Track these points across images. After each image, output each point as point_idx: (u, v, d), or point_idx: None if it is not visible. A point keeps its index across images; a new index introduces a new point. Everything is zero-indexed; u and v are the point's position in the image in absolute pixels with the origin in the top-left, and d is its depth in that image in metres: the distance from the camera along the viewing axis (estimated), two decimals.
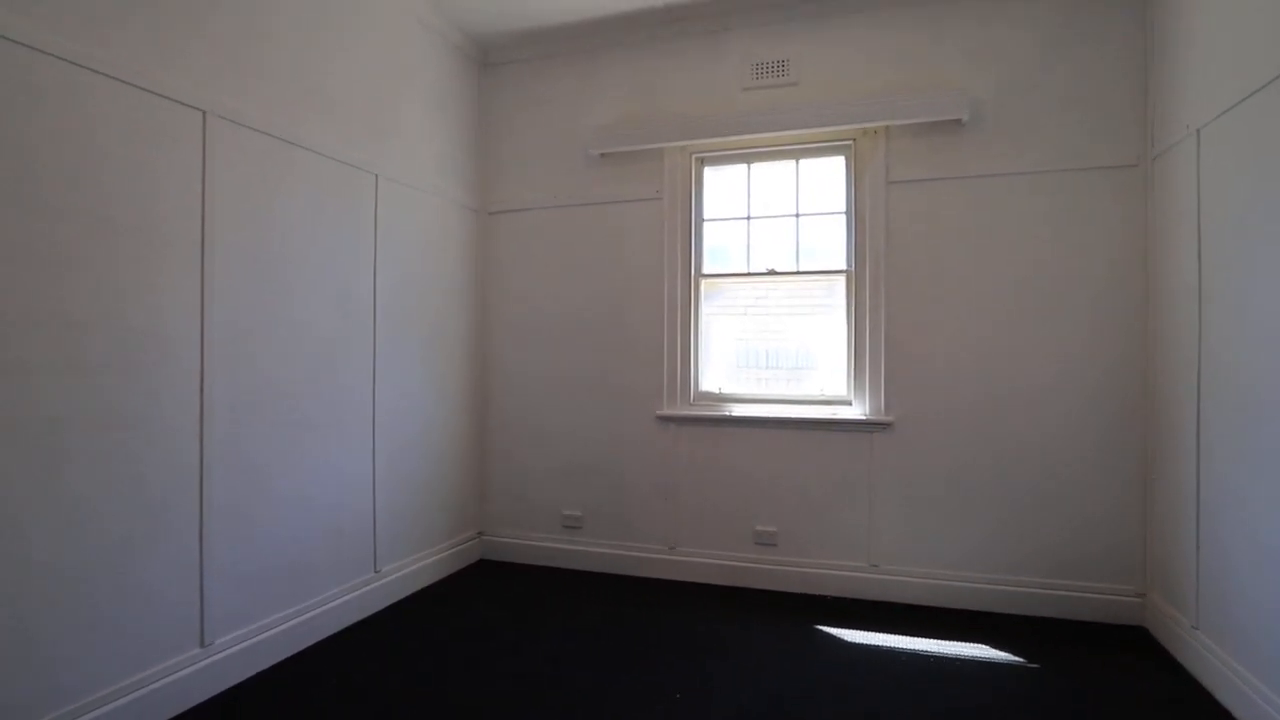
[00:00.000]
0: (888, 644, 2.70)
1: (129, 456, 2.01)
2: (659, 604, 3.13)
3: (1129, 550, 2.89)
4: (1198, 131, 2.43)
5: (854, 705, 2.24)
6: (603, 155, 3.59)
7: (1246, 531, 2.13)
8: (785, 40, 3.32)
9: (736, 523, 3.39)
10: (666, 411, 3.48)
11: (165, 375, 2.11)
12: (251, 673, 2.40)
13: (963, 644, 2.70)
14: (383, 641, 2.71)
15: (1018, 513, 3.01)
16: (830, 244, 3.36)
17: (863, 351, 3.23)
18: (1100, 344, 2.92)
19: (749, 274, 3.46)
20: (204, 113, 2.21)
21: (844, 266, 3.31)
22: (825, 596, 3.21)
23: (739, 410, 3.40)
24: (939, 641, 2.72)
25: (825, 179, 3.38)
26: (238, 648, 2.35)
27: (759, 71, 3.35)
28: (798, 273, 3.38)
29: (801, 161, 3.41)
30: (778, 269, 3.42)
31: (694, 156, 3.51)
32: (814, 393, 3.35)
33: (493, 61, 3.81)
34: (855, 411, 3.24)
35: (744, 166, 3.50)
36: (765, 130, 3.25)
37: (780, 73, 3.33)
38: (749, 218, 3.49)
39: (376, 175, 3.01)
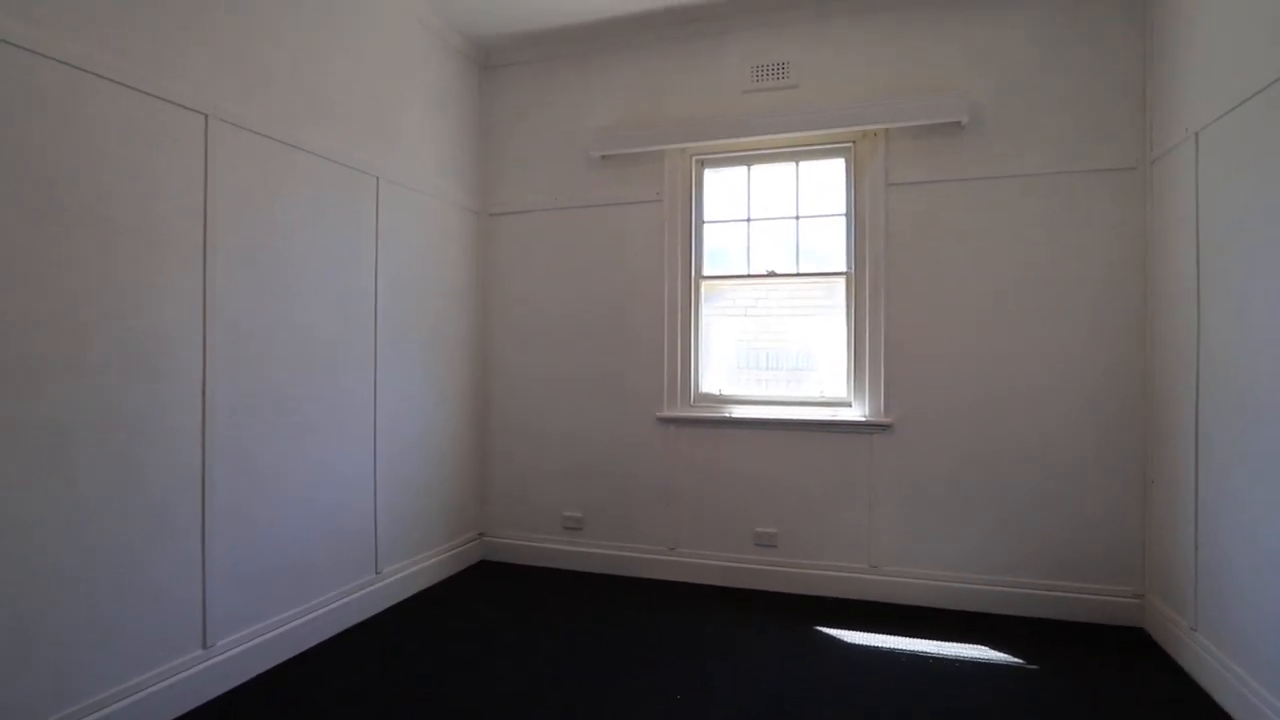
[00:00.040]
0: (887, 645, 2.71)
1: (130, 458, 2.01)
2: (659, 605, 3.14)
3: (1128, 552, 2.89)
4: (1196, 134, 2.44)
5: (854, 705, 2.24)
6: (603, 157, 3.60)
7: (1245, 534, 2.14)
8: (785, 43, 3.33)
9: (737, 524, 3.40)
10: (667, 413, 3.49)
11: (167, 377, 2.12)
12: (253, 674, 2.41)
13: (962, 645, 2.70)
14: (384, 643, 2.72)
15: (1017, 514, 3.02)
16: (830, 246, 3.37)
17: (862, 353, 3.23)
18: (1099, 346, 2.93)
19: (749, 276, 3.46)
20: (206, 116, 2.22)
21: (844, 268, 3.31)
22: (825, 598, 3.22)
23: (739, 412, 3.40)
24: (938, 642, 2.73)
25: (825, 181, 3.39)
26: (239, 649, 2.36)
27: (759, 74, 3.36)
28: (798, 275, 3.39)
29: (801, 163, 3.42)
30: (778, 271, 3.43)
31: (694, 158, 3.52)
32: (814, 394, 3.36)
33: (493, 63, 3.82)
34: (855, 413, 3.25)
35: (744, 169, 3.51)
36: (765, 132, 3.26)
37: (780, 75, 3.33)
38: (749, 220, 3.50)
39: (377, 178, 3.02)
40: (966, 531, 3.08)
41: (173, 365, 2.13)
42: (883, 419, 3.17)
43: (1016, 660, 2.57)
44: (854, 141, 3.27)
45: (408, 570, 3.23)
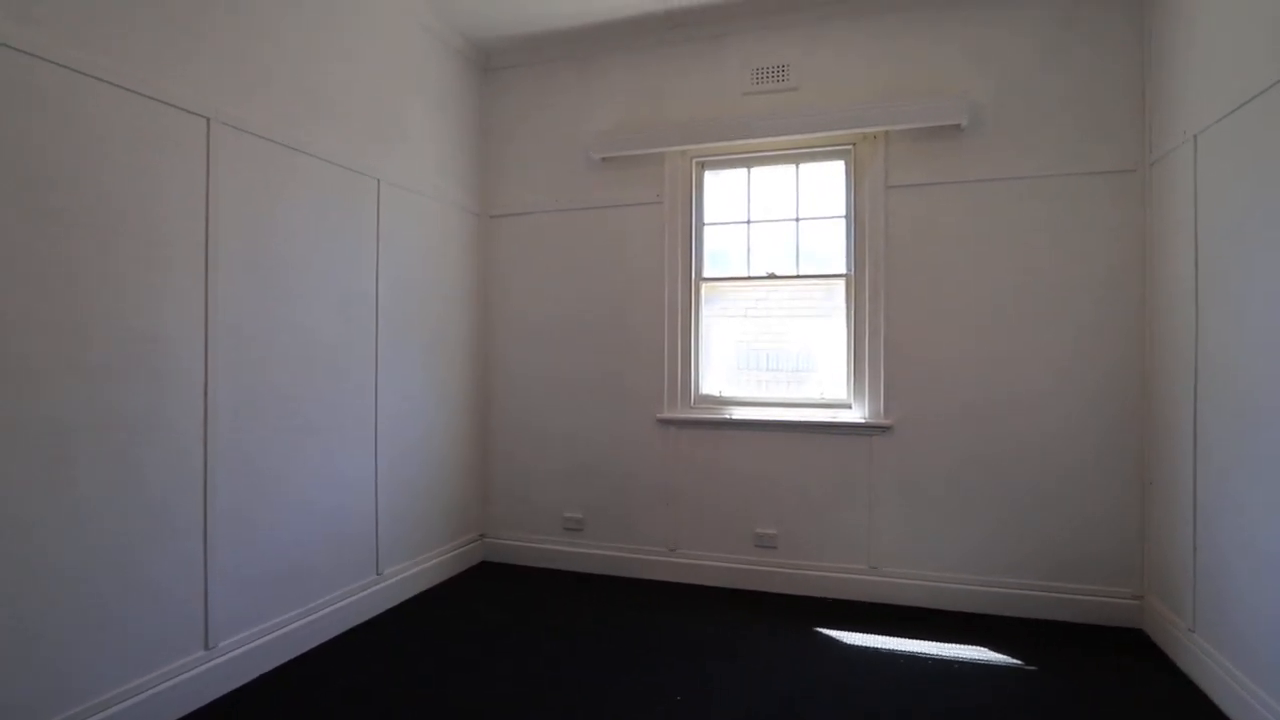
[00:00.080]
0: (887, 646, 2.71)
1: (131, 458, 2.02)
2: (659, 606, 3.15)
3: (1127, 553, 2.90)
4: (1195, 137, 2.44)
5: (854, 706, 2.25)
6: (604, 159, 3.60)
7: (1244, 536, 2.15)
8: (785, 45, 3.34)
9: (737, 525, 3.41)
10: (667, 414, 3.50)
11: (169, 379, 2.13)
12: (255, 675, 2.42)
13: (961, 646, 2.71)
14: (385, 644, 2.73)
15: (1017, 515, 3.03)
16: (830, 248, 3.37)
17: (862, 355, 3.24)
18: (1098, 347, 2.93)
19: (749, 278, 3.47)
20: (208, 119, 2.23)
21: (844, 270, 3.32)
22: (825, 599, 3.23)
23: (739, 413, 3.41)
24: (938, 643, 2.73)
25: (825, 183, 3.39)
26: (242, 650, 2.37)
27: (759, 76, 3.37)
28: (797, 277, 3.40)
29: (801, 166, 3.43)
30: (778, 273, 3.43)
31: (694, 161, 3.53)
32: (814, 396, 3.36)
33: (494, 66, 3.83)
34: (855, 414, 3.26)
35: (744, 171, 3.52)
36: (765, 135, 3.27)
37: (780, 78, 3.34)
38: (749, 222, 3.51)
39: (378, 180, 3.03)
40: (966, 533, 3.09)
41: (174, 366, 2.15)
42: (883, 420, 3.18)
43: (1016, 661, 2.58)
44: (854, 144, 3.28)
45: (409, 571, 3.24)
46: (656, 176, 3.54)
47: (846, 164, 3.33)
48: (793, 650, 2.68)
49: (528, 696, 2.31)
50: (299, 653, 2.61)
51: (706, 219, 3.57)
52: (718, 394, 3.51)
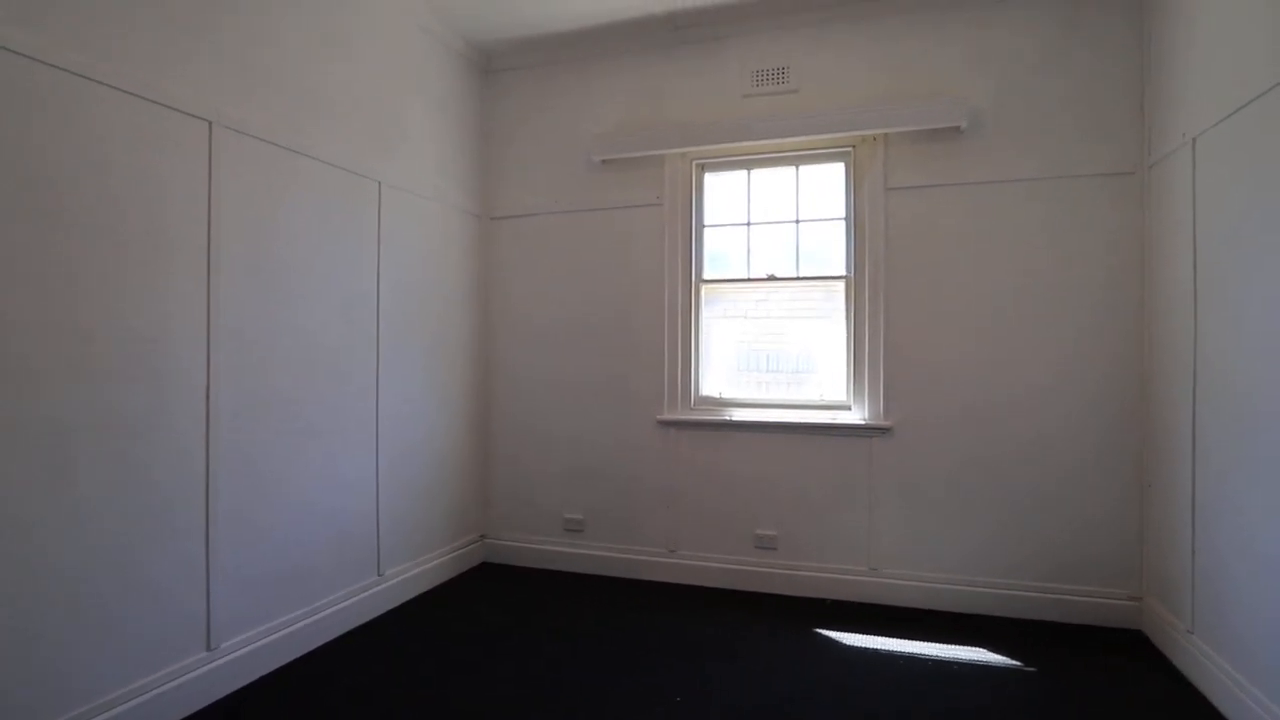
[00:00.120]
0: (886, 647, 2.72)
1: (134, 461, 2.03)
2: (660, 607, 3.16)
3: (1126, 555, 2.90)
4: (1194, 140, 2.45)
5: (853, 707, 2.26)
6: (604, 161, 3.61)
7: (1243, 539, 2.15)
8: (785, 47, 3.35)
9: (737, 526, 3.41)
10: (668, 416, 3.50)
11: (170, 380, 2.14)
12: (256, 676, 2.42)
13: (961, 647, 2.72)
14: (386, 644, 2.73)
15: (1016, 517, 3.03)
16: (830, 250, 3.38)
17: (862, 356, 3.25)
18: (1098, 349, 2.94)
19: (749, 279, 3.48)
20: (209, 123, 2.24)
21: (844, 272, 3.33)
22: (825, 600, 3.23)
23: (739, 415, 3.42)
24: (937, 644, 2.74)
25: (825, 185, 3.40)
26: (243, 651, 2.37)
27: (759, 79, 3.38)
28: (797, 278, 3.41)
29: (801, 168, 3.43)
30: (778, 274, 3.44)
31: (695, 163, 3.53)
32: (814, 398, 3.37)
33: (495, 68, 3.83)
34: (855, 416, 3.26)
35: (744, 173, 3.52)
36: (765, 137, 3.27)
37: (780, 80, 3.35)
38: (749, 223, 3.51)
39: (380, 182, 3.04)
40: (966, 534, 3.10)
41: (175, 368, 2.15)
42: (882, 422, 3.19)
43: (1015, 662, 2.58)
44: (854, 146, 3.29)
45: (410, 572, 3.25)
46: (657, 178, 3.55)
47: (846, 166, 3.34)
48: (792, 651, 2.69)
49: (529, 698, 2.32)
50: (300, 653, 2.61)
51: (707, 221, 3.58)
52: (718, 395, 3.52)
